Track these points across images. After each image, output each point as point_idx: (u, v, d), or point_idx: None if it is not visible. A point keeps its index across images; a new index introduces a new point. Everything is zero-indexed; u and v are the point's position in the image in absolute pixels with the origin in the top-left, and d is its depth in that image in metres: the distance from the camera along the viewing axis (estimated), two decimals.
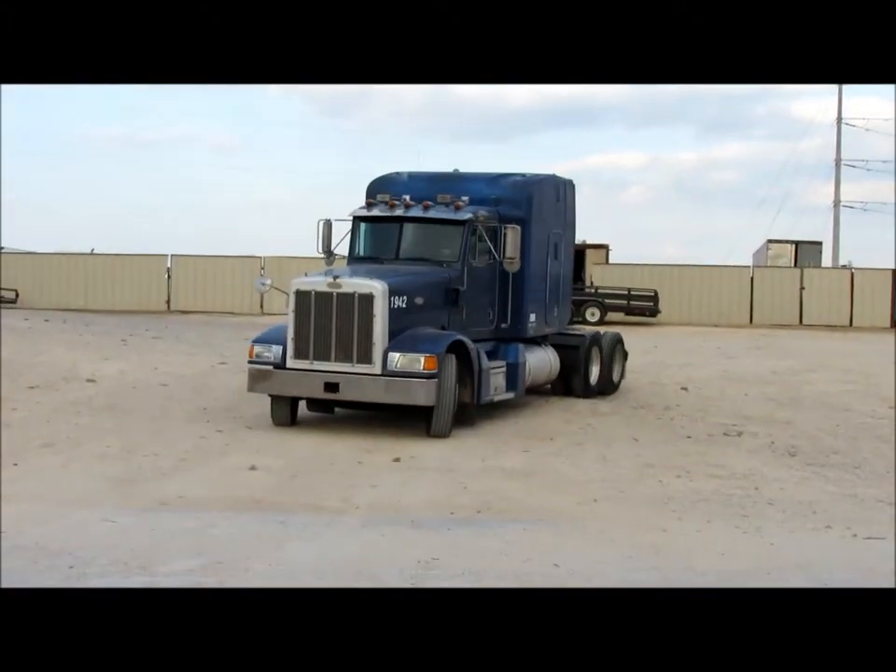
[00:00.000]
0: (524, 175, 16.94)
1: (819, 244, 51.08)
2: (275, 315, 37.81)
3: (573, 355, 17.65)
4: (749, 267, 43.66)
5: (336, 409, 15.13)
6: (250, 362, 14.30)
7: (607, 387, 18.47)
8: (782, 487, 11.54)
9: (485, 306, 15.76)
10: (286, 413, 14.42)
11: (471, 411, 14.66)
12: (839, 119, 60.09)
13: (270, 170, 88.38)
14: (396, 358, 13.59)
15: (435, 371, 13.55)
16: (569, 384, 17.81)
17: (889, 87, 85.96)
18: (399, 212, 15.42)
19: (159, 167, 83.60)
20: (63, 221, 68.73)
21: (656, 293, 39.48)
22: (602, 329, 20.61)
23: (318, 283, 14.05)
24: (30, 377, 17.03)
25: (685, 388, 19.69)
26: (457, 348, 14.22)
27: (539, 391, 17.74)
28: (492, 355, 15.51)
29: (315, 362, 13.83)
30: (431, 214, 15.29)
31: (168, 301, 40.86)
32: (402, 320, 14.00)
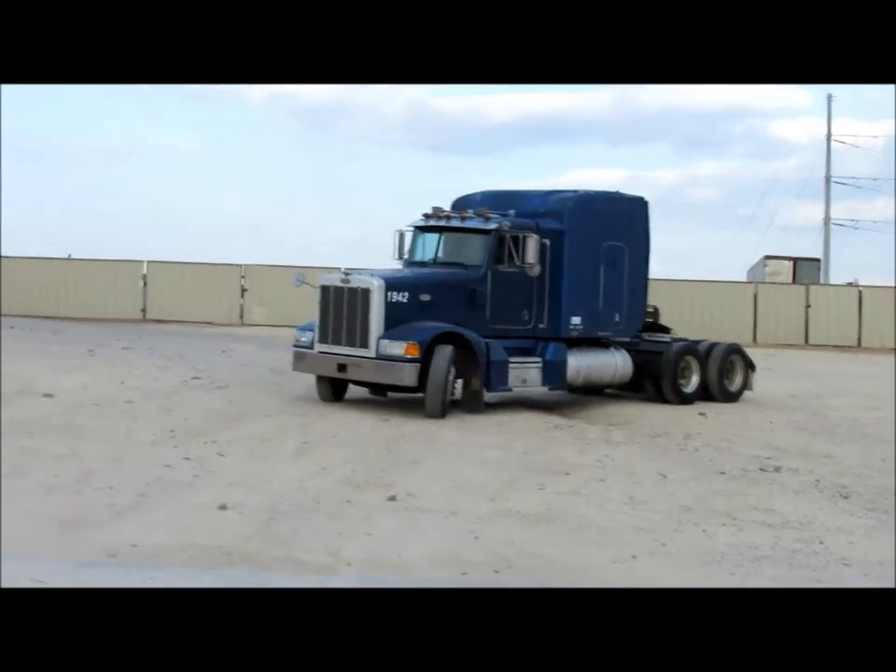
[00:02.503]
0: (575, 192, 18.54)
1: (818, 260, 49.63)
2: (255, 326, 36.24)
3: (654, 360, 19.00)
4: (752, 283, 41.96)
5: (388, 394, 16.97)
6: (293, 346, 16.96)
7: (721, 397, 19.42)
8: (851, 541, 9.78)
9: (518, 307, 17.27)
10: (327, 390, 16.76)
11: (480, 399, 16.12)
12: (829, 135, 58.32)
13: (248, 179, 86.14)
14: (385, 344, 15.66)
15: (417, 356, 15.37)
16: (659, 388, 19.14)
17: (873, 107, 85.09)
18: (442, 223, 17.56)
19: (137, 175, 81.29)
20: (42, 226, 66.62)
21: (657, 309, 37.60)
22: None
23: (335, 279, 16.51)
24: None
25: (703, 414, 18.12)
26: (458, 340, 15.81)
27: (622, 395, 19.47)
28: (529, 352, 17.16)
29: (332, 346, 16.18)
30: (464, 224, 17.25)
31: (144, 310, 38.75)
32: (404, 313, 16.00)
